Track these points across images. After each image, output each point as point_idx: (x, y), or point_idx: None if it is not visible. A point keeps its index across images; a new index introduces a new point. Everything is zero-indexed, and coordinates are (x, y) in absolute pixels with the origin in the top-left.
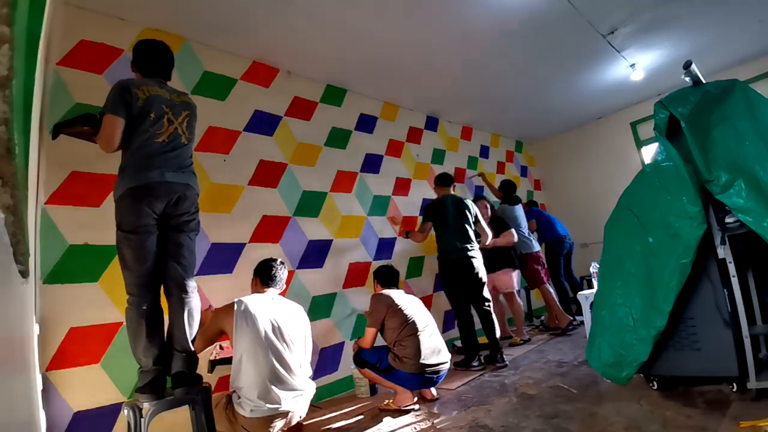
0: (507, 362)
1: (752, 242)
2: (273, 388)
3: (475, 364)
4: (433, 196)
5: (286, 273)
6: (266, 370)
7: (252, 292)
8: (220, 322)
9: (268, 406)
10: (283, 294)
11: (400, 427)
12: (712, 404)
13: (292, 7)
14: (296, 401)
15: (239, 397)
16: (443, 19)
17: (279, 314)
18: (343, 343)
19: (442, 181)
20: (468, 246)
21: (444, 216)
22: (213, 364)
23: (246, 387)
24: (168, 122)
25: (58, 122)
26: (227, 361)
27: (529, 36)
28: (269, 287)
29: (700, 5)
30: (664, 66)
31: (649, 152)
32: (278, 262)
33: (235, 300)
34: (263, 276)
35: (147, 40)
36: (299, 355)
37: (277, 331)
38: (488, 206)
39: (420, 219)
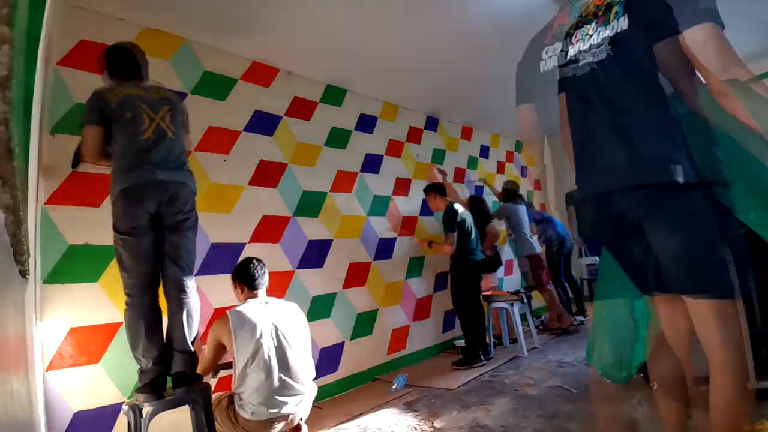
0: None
1: (752, 242)
2: (276, 393)
3: (483, 358)
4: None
5: (266, 269)
6: (270, 377)
7: (241, 301)
8: (218, 336)
9: (270, 410)
10: (281, 295)
11: (401, 427)
12: None
13: (292, 7)
14: (298, 404)
15: (241, 399)
16: (444, 19)
17: (276, 317)
18: (343, 343)
19: (442, 191)
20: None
21: (463, 225)
22: (216, 369)
23: (249, 393)
24: (149, 119)
25: (75, 151)
26: (229, 365)
27: (529, 36)
28: (257, 290)
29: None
30: None
31: None
32: (255, 261)
33: (228, 312)
34: (247, 281)
35: (113, 46)
36: (301, 356)
37: (277, 334)
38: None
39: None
